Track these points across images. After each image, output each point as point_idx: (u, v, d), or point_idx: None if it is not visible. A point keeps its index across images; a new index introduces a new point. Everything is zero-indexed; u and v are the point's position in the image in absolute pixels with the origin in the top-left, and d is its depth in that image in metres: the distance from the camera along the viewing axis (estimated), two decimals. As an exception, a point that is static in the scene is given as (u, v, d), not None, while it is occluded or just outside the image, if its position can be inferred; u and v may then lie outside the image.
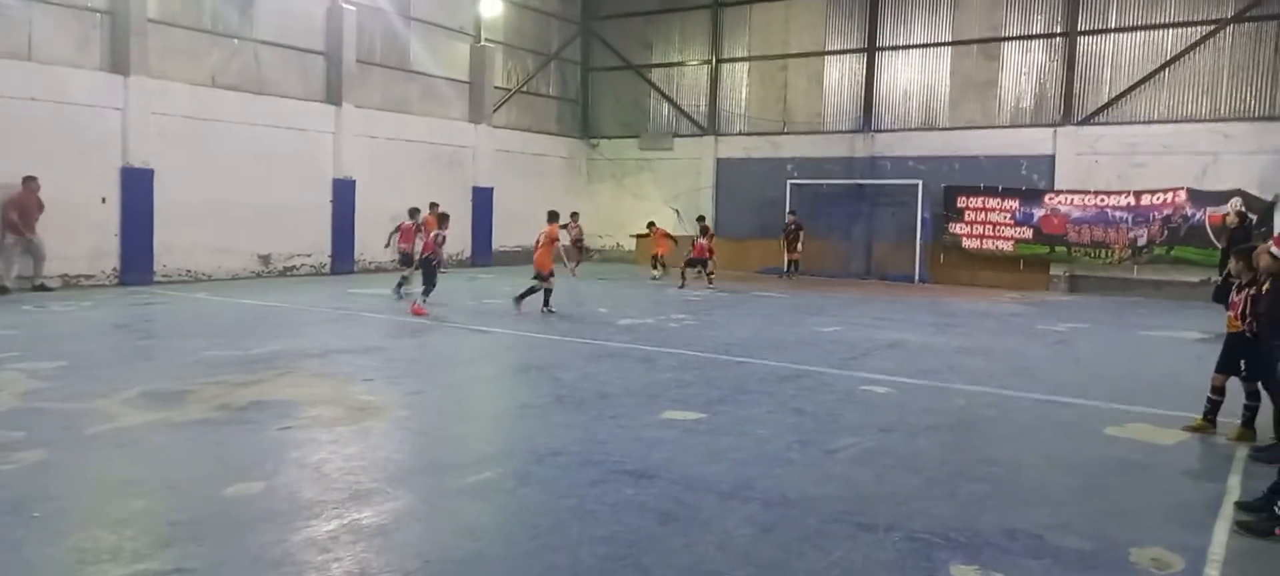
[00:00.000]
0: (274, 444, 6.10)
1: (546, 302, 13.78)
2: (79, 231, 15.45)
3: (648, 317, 13.68)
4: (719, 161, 25.10)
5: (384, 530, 4.53)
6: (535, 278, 13.79)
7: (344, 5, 19.73)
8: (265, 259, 18.65)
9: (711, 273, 20.16)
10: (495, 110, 24.22)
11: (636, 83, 26.61)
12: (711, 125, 25.25)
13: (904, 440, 6.65)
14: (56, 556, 4.12)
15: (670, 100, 26.06)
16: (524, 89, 25.45)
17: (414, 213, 16.57)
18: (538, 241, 14.14)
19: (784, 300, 17.07)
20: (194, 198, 16.96)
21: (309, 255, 19.43)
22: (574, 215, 20.69)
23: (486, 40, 23.87)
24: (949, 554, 4.38)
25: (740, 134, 24.86)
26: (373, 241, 19.57)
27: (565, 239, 17.03)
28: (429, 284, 13.39)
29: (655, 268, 21.18)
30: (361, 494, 5.04)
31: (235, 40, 18.04)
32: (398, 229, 16.71)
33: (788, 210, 22.61)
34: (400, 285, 15.83)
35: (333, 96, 19.82)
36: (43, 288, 14.67)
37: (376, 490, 5.12)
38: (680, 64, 25.87)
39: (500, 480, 5.47)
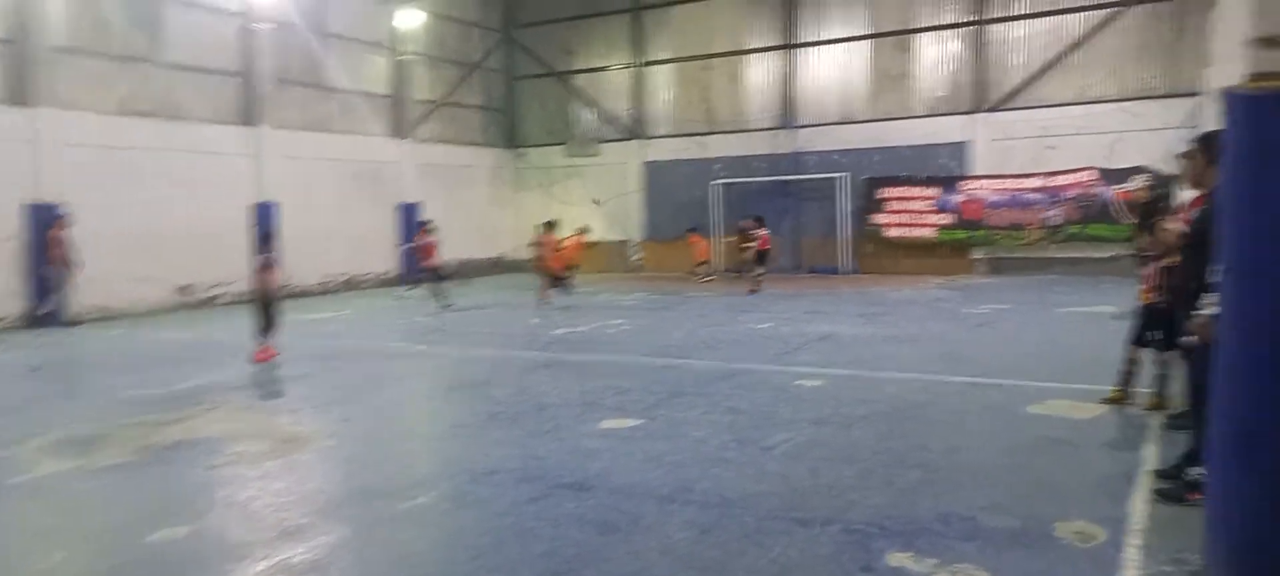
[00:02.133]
0: (199, 484, 5.90)
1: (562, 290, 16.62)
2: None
3: (582, 326, 13.65)
4: (646, 164, 25.19)
5: (317, 566, 4.42)
6: (557, 277, 16.69)
7: (257, 24, 19.23)
8: (185, 289, 18.05)
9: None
10: (418, 124, 23.90)
11: (561, 89, 26.54)
12: (637, 129, 25.33)
13: (838, 432, 6.75)
14: (-34, 621, 3.91)
15: (595, 106, 26.06)
16: (447, 101, 25.17)
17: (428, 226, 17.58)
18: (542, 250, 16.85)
19: (717, 299, 17.21)
20: (108, 230, 16.33)
21: (232, 283, 18.85)
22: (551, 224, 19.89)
23: (406, 53, 23.54)
24: (885, 542, 4.45)
25: (666, 136, 24.99)
26: (298, 265, 19.10)
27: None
28: (268, 322, 10.80)
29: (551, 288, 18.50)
30: (292, 530, 4.91)
31: (146, 65, 17.44)
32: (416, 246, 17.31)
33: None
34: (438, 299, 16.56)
35: (249, 118, 19.31)
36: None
37: (307, 525, 4.99)
38: (603, 69, 25.88)
39: (436, 503, 5.39)
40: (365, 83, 22.63)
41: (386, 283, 22.22)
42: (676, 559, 4.33)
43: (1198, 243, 4.80)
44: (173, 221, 17.50)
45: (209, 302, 18.39)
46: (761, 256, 18.54)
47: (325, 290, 20.95)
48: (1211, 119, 9.71)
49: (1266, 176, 3.29)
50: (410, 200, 23.18)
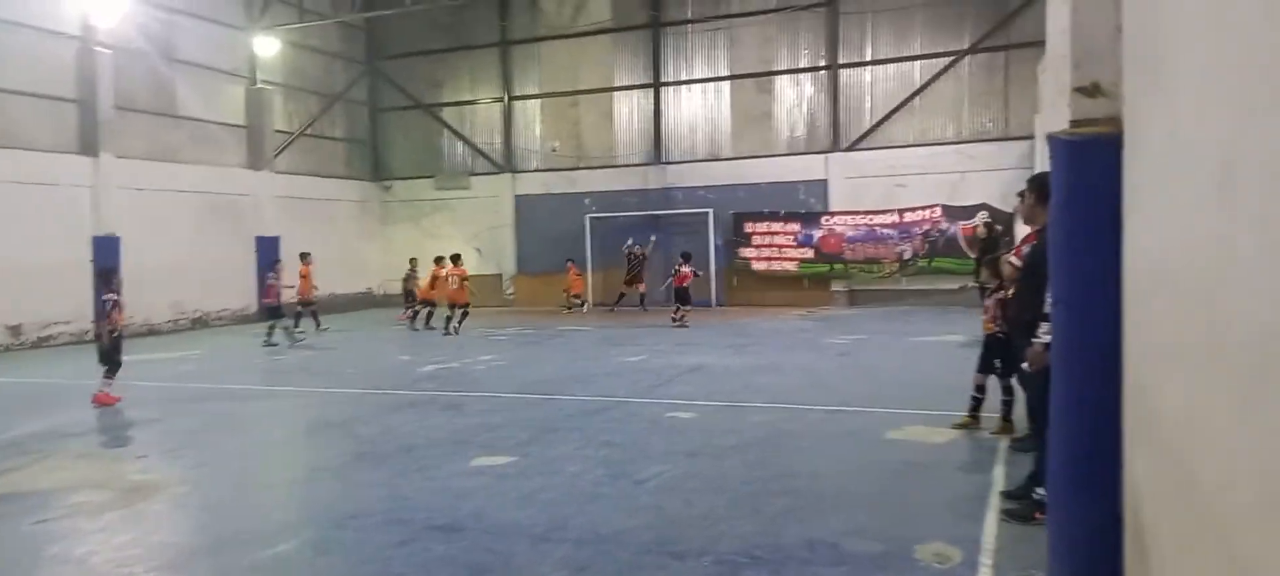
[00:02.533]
0: (28, 541, 5.42)
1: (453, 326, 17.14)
2: None
3: (453, 362, 13.39)
4: (518, 198, 25.09)
5: (166, 624, 4.14)
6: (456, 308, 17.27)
7: (97, 48, 18.11)
8: (15, 330, 16.67)
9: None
10: (277, 154, 23.02)
11: (428, 122, 26.16)
12: (508, 162, 25.22)
13: (709, 463, 6.86)
14: None
15: (464, 139, 25.81)
16: (307, 132, 24.37)
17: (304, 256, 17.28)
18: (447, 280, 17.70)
19: (589, 333, 17.24)
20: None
21: (68, 322, 17.53)
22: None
23: (264, 82, 22.68)
24: (755, 571, 4.55)
25: (537, 170, 24.99)
26: (142, 302, 17.92)
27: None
28: (113, 363, 10.18)
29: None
30: (138, 586, 4.58)
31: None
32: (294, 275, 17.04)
33: (630, 241, 21.93)
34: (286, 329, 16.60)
35: (88, 147, 18.11)
36: None
37: (155, 580, 4.67)
38: (472, 102, 25.70)
39: (296, 552, 5.14)
40: (219, 112, 21.66)
41: (244, 319, 21.15)
42: (551, 597, 4.29)
43: (1030, 276, 5.19)
44: (1, 256, 16.16)
45: (43, 343, 17.03)
46: (681, 293, 18.22)
47: (176, 328, 19.78)
48: (1043, 161, 10.51)
49: (1082, 214, 3.59)
50: (270, 233, 22.23)
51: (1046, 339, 4.93)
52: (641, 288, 21.48)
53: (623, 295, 21.79)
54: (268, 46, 22.40)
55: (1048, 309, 4.92)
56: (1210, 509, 1.97)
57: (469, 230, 25.33)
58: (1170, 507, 2.48)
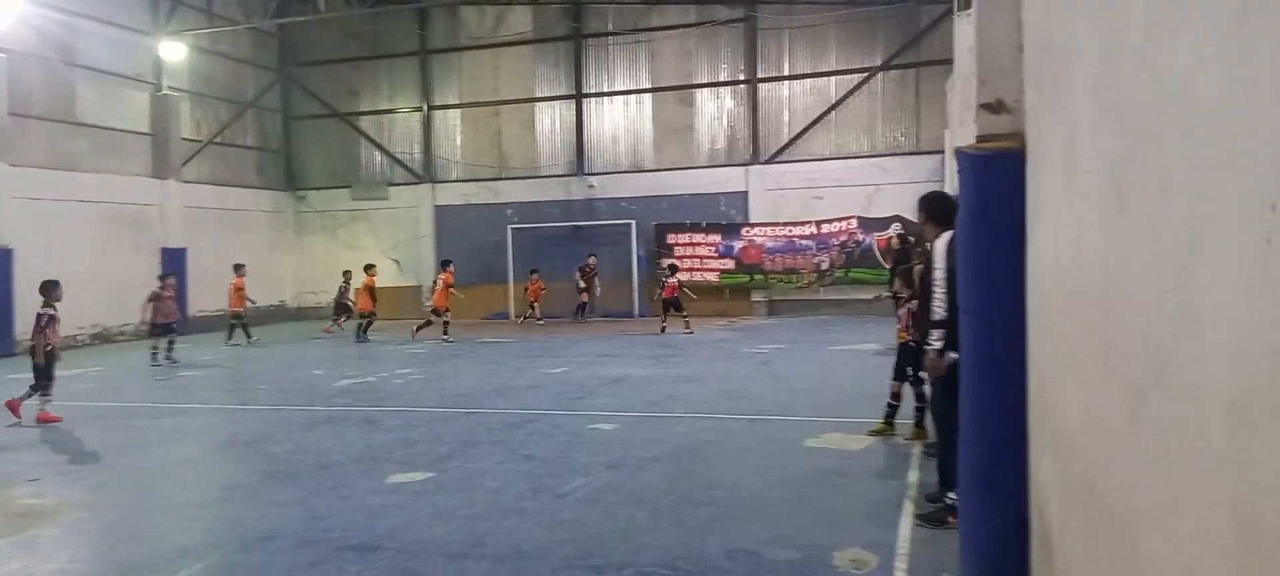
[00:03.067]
0: (-94, 574, 5.08)
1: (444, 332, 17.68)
2: None
3: (369, 376, 13.09)
4: (437, 208, 24.73)
5: (58, 658, 3.92)
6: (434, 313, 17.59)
7: (-13, 50, 17.20)
8: (-107, 347, 15.66)
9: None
10: (184, 164, 22.20)
11: (345, 131, 25.59)
12: (427, 172, 24.85)
13: (631, 474, 6.86)
14: None
15: (382, 148, 25.33)
16: (217, 140, 23.57)
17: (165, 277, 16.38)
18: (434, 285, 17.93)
19: (512, 345, 17.08)
20: None
21: (-47, 339, 16.55)
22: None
23: (170, 89, 21.86)
24: (676, 582, 4.56)
25: (457, 181, 24.69)
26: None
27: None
28: (46, 380, 9.93)
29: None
30: (28, 619, 4.33)
31: None
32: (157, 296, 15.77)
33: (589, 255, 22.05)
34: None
35: (-23, 154, 17.15)
36: None
37: (47, 611, 4.42)
38: (391, 111, 25.25)
39: (204, 577, 4.94)
40: (123, 119, 20.77)
41: (149, 334, 20.27)
42: (470, 616, 4.21)
43: (927, 287, 5.37)
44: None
45: (-76, 362, 16.02)
46: (671, 303, 18.39)
47: (76, 344, 18.85)
48: (953, 175, 10.84)
49: (989, 227, 3.72)
50: (176, 245, 21.42)
51: (938, 346, 5.11)
52: (584, 299, 21.58)
53: (582, 306, 21.59)
54: (174, 52, 21.59)
55: (937, 317, 5.12)
56: (1110, 509, 2.05)
57: (387, 241, 24.87)
58: (1074, 509, 2.57)
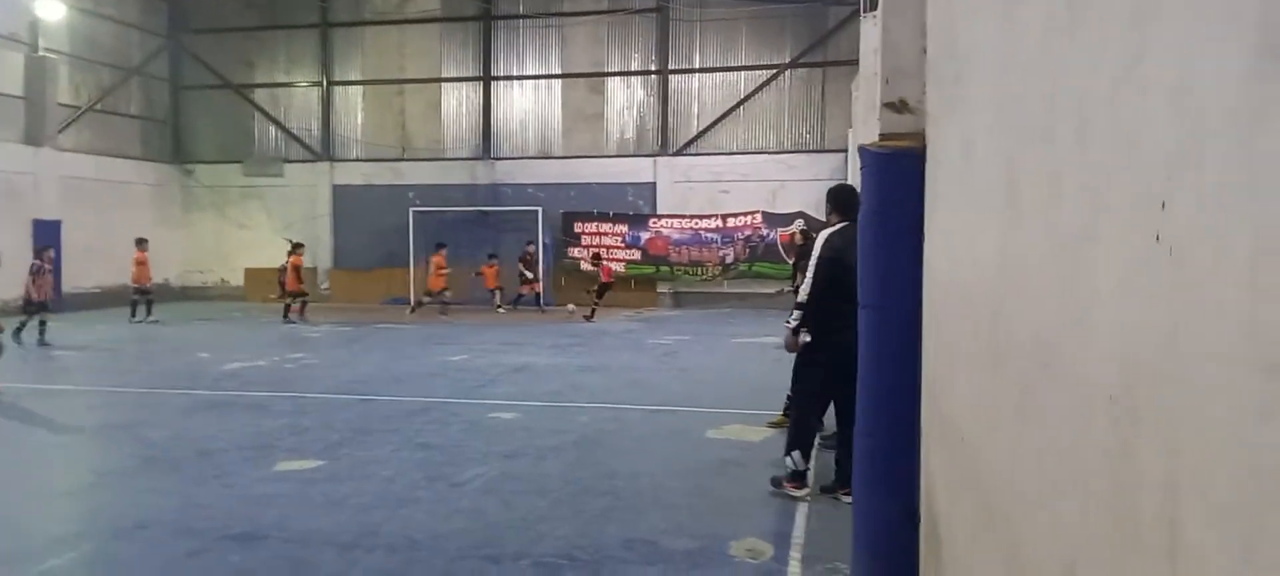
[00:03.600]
0: None
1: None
2: None
3: (259, 360, 12.59)
4: (335, 188, 23.96)
5: (-101, 658, 3.61)
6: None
7: None
8: None
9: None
10: (61, 130, 20.89)
11: (238, 103, 24.52)
12: (325, 150, 24.05)
13: (530, 464, 6.78)
14: None
15: (277, 123, 24.39)
16: (97, 107, 22.27)
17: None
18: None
19: (410, 331, 16.71)
20: None
21: None
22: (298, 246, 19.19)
23: (47, 50, 20.53)
24: (573, 572, 4.52)
25: (357, 160, 23.98)
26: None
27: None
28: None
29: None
30: None
31: None
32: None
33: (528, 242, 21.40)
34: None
35: None
36: None
37: (-112, 608, 4.08)
38: (288, 84, 24.33)
39: (71, 566, 4.64)
40: (-8, 79, 19.41)
41: (9, 311, 19.05)
42: (358, 608, 4.08)
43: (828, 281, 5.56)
44: None
45: None
46: (603, 289, 19.04)
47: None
48: (855, 172, 11.09)
49: (888, 223, 3.80)
50: (51, 216, 20.15)
51: (794, 323, 5.68)
52: (538, 288, 20.86)
53: (521, 295, 20.83)
54: (52, 10, 20.27)
55: (800, 299, 5.61)
56: (995, 500, 2.10)
57: (282, 220, 23.97)
58: (961, 500, 2.63)
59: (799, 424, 5.92)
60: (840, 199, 5.80)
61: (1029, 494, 1.78)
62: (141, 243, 17.93)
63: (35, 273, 14.18)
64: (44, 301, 14.27)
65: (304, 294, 18.56)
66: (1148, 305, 1.10)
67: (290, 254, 18.62)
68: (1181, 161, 1.01)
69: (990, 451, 2.17)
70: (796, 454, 5.78)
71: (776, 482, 5.90)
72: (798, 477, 5.79)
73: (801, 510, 5.56)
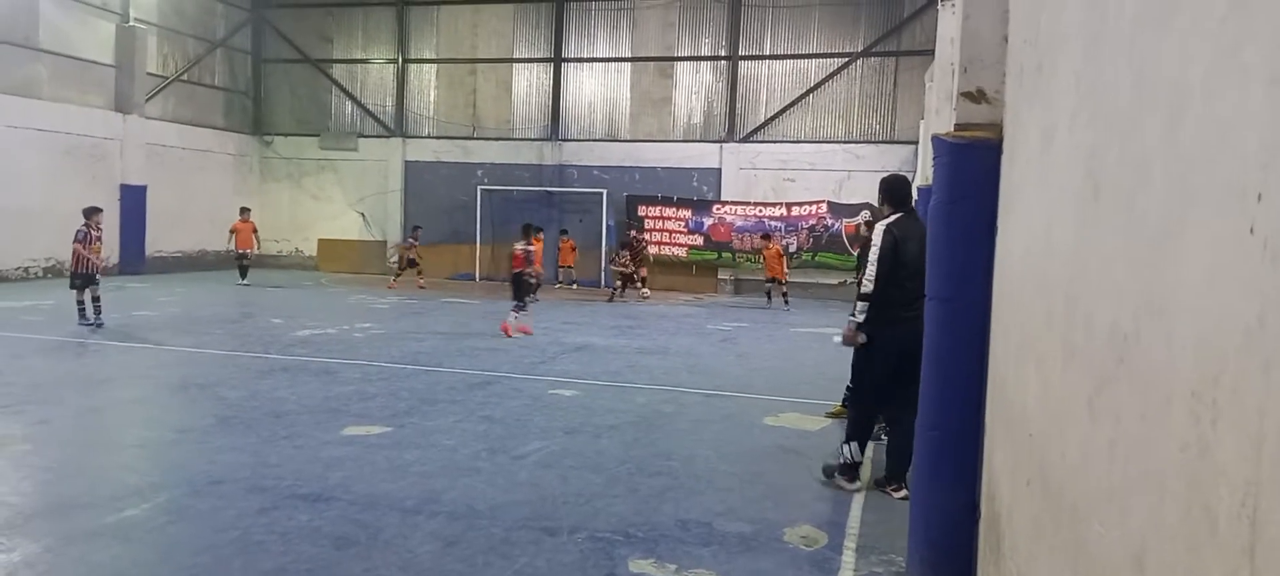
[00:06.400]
0: None
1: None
2: None
3: (329, 327, 12.94)
4: (407, 164, 24.42)
5: (-6, 589, 3.84)
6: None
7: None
8: None
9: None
10: (148, 99, 21.67)
11: (316, 77, 25.13)
12: (398, 126, 24.51)
13: (588, 441, 6.85)
14: None
15: (353, 98, 24.92)
16: (183, 77, 23.04)
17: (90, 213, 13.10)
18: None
19: (475, 307, 16.97)
20: None
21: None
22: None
23: (137, 21, 21.29)
24: (628, 549, 4.57)
25: (429, 137, 24.38)
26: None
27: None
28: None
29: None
30: (-37, 549, 4.23)
31: None
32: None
33: (627, 226, 21.14)
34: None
35: (-70, 73, 16.61)
36: None
37: (-15, 542, 4.32)
38: (364, 61, 24.84)
39: (148, 516, 4.86)
40: (85, 48, 20.21)
41: (103, 271, 19.90)
42: (417, 573, 4.18)
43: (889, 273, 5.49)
44: None
45: None
46: (627, 281, 19.43)
47: (26, 276, 18.44)
48: (926, 167, 10.89)
49: (961, 214, 3.74)
50: (135, 182, 20.95)
51: (859, 319, 5.53)
52: (644, 271, 20.02)
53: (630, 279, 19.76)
54: (144, -18, 21.05)
55: (864, 291, 5.49)
56: (1062, 495, 2.07)
57: (354, 193, 24.56)
58: (1025, 495, 2.60)
59: (857, 416, 5.88)
60: (893, 190, 5.77)
61: (1096, 489, 1.75)
62: (245, 211, 20.03)
63: (82, 240, 12.25)
64: (92, 273, 12.21)
65: (245, 255, 19.74)
66: (1236, 298, 1.08)
67: (243, 216, 20.05)
68: (1278, 152, 0.98)
69: (1060, 444, 2.14)
70: (854, 445, 5.73)
71: (829, 473, 5.88)
72: (851, 470, 5.73)
73: (857, 501, 5.52)
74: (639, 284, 19.50)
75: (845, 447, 5.76)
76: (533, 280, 13.21)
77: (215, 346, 10.94)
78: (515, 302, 12.68)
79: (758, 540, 4.80)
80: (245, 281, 19.27)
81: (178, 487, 5.38)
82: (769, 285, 18.65)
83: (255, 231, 20.15)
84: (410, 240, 20.77)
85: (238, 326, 12.93)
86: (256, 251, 20.31)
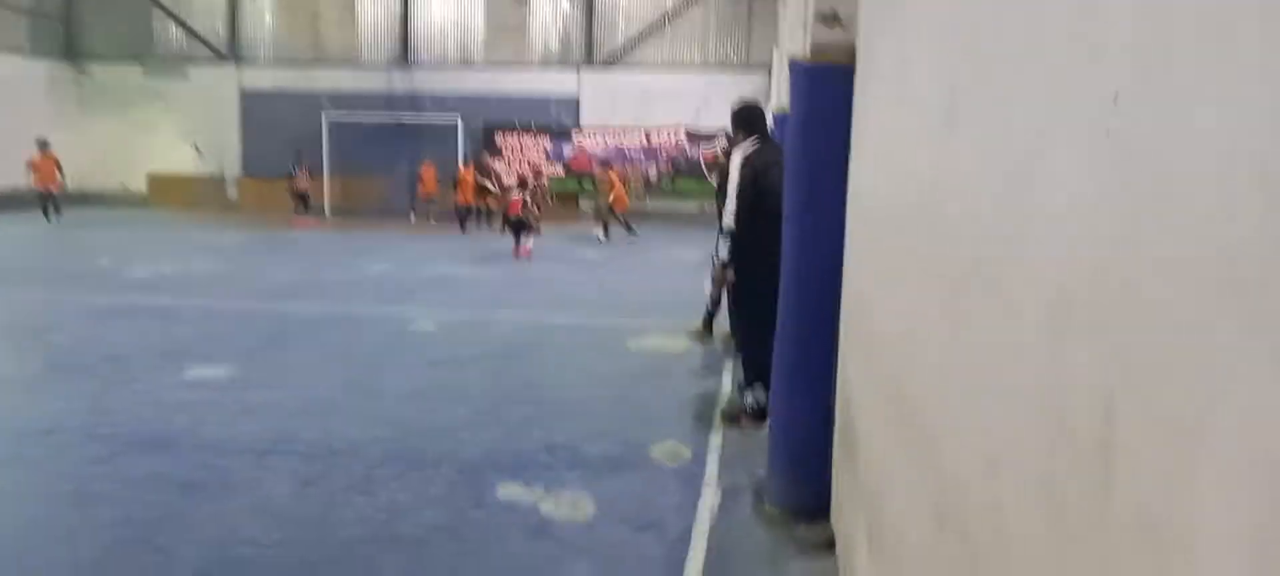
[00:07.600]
0: None
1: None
2: None
3: (165, 267, 12.12)
4: (244, 93, 22.91)
5: None
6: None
7: None
8: None
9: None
10: (-63, 19, 19.32)
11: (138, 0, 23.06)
12: (232, 52, 22.89)
13: (452, 373, 6.75)
14: None
15: (178, 20, 23.03)
16: (-22, -5, 20.64)
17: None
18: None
19: (330, 240, 16.29)
20: None
21: None
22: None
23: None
24: (496, 476, 4.55)
25: (267, 65, 22.90)
26: None
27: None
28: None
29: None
30: None
31: None
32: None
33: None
34: None
35: None
36: None
37: None
38: (190, -21, 22.96)
39: (-31, 475, 4.46)
40: None
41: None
42: (271, 516, 4.03)
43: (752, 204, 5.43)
44: None
45: None
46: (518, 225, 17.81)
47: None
48: (780, 93, 11.09)
49: (816, 138, 3.83)
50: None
51: (724, 256, 5.30)
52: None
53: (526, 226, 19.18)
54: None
55: (726, 227, 5.25)
56: (916, 403, 2.18)
57: (186, 126, 22.89)
58: (878, 404, 2.73)
59: (750, 356, 5.45)
60: (748, 117, 5.49)
61: (951, 398, 1.84)
62: (44, 144, 17.99)
63: None
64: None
65: (50, 191, 18.00)
66: (1092, 207, 1.13)
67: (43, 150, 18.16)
68: (1145, 59, 1.02)
69: (911, 359, 2.24)
70: (758, 387, 5.32)
71: (732, 418, 5.51)
72: (760, 414, 5.26)
73: (717, 416, 5.69)
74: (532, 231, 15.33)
75: (751, 392, 5.43)
76: (533, 222, 14.26)
77: (38, 289, 10.06)
78: (515, 241, 13.57)
79: (624, 459, 4.88)
80: (51, 222, 17.68)
81: (6, 438, 4.98)
82: (609, 216, 18.24)
83: (59, 166, 18.26)
84: (299, 171, 19.98)
85: (62, 268, 11.92)
86: (62, 188, 18.39)
